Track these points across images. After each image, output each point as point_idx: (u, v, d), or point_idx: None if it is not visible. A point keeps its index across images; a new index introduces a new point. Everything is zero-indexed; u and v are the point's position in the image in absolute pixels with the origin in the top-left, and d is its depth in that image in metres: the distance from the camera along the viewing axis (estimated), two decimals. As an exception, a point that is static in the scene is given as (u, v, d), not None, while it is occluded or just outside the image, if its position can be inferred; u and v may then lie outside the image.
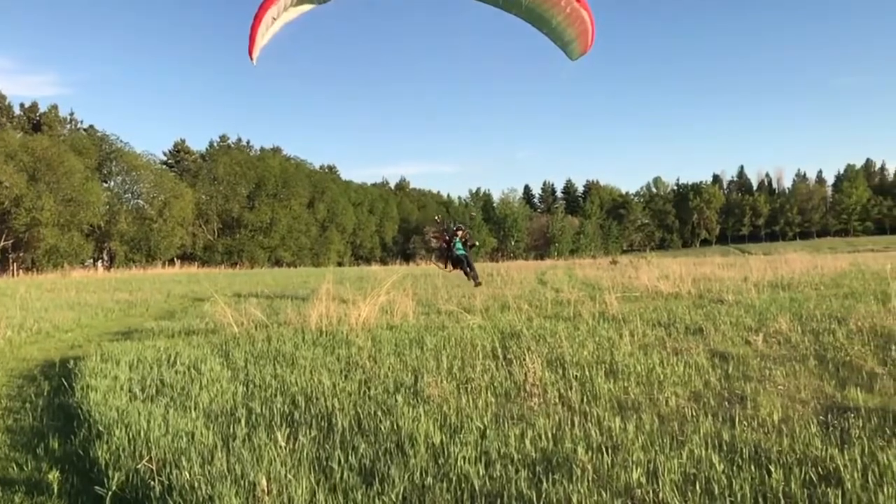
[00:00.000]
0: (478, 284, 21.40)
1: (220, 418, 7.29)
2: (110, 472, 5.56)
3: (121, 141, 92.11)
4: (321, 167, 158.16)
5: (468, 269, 21.53)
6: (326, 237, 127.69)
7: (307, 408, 7.56)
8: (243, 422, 7.01)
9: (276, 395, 8.23)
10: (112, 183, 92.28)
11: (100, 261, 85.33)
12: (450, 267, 22.36)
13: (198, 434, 6.59)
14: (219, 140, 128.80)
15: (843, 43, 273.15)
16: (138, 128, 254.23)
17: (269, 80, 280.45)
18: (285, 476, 5.28)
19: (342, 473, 5.38)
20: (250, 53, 11.75)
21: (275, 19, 11.66)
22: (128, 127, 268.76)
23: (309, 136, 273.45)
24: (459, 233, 21.85)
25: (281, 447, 5.98)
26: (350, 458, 5.74)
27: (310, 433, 6.49)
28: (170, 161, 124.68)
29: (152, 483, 5.30)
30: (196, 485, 5.16)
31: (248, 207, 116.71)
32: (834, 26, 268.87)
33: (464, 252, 21.65)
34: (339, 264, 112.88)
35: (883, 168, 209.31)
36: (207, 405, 7.90)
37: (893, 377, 8.00)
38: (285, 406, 7.69)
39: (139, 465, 5.63)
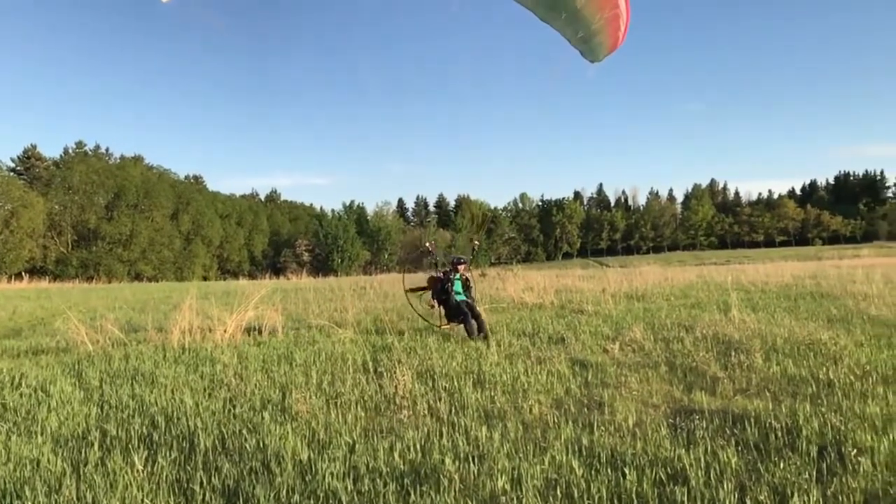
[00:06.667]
0: (485, 338, 13.30)
1: (70, 443, 6.83)
2: (-60, 508, 5.08)
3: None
4: (186, 177, 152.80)
5: (473, 320, 13.82)
6: (191, 250, 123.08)
7: (167, 428, 7.23)
8: (96, 446, 6.60)
9: (133, 416, 7.81)
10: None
11: (-68, 275, 77.51)
12: (443, 319, 14.83)
13: (44, 461, 6.16)
14: (74, 146, 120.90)
15: (691, 71, 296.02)
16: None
17: (130, 83, 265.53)
18: (142, 501, 5.04)
19: (204, 495, 5.19)
20: None
21: None
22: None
23: (173, 143, 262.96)
24: (460, 267, 14.96)
25: (138, 471, 5.69)
26: (213, 479, 5.55)
27: (170, 455, 6.22)
28: (18, 168, 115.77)
29: (-10, 517, 4.89)
30: (41, 516, 4.81)
31: (106, 218, 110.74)
32: (685, 55, 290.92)
33: (465, 297, 14.60)
34: (205, 279, 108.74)
35: (725, 188, 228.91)
36: (56, 429, 7.39)
37: (733, 380, 8.71)
38: (144, 427, 7.31)
39: (-26, 499, 5.18)
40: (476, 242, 17.96)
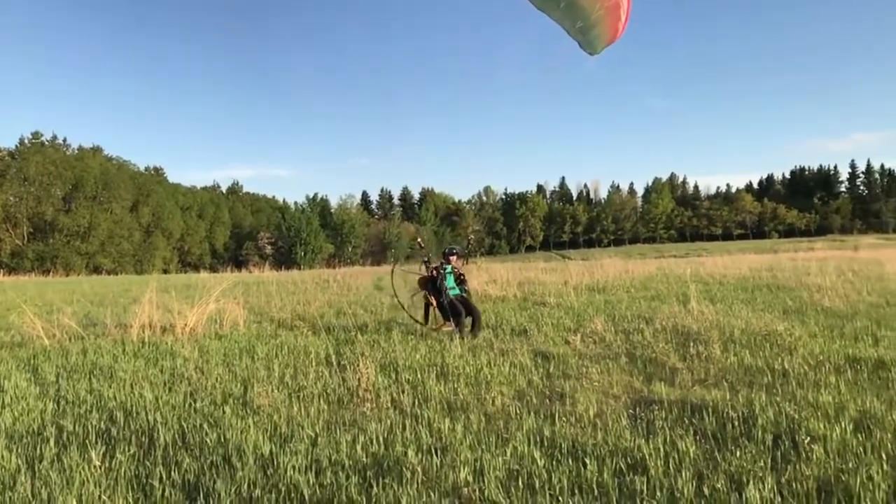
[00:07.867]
0: (477, 332, 12.80)
1: (25, 439, 6.68)
2: None
3: None
4: (146, 168, 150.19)
5: (468, 316, 13.10)
6: (151, 243, 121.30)
7: (126, 423, 7.10)
8: (52, 441, 6.46)
9: (91, 412, 7.66)
10: None
11: None
12: (439, 319, 13.64)
13: (-3, 458, 6.00)
14: (31, 137, 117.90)
15: (654, 67, 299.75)
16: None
17: (89, 72, 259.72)
18: (99, 497, 4.95)
19: (163, 490, 5.12)
20: None
21: None
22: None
23: (133, 134, 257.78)
24: (453, 258, 13.79)
25: (95, 466, 5.58)
26: (173, 473, 5.47)
27: (129, 450, 6.11)
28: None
29: (-61, 517, 4.75)
30: (-7, 515, 4.70)
31: (63, 210, 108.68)
32: (647, 51, 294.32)
33: (459, 292, 13.54)
34: (165, 272, 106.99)
35: (685, 182, 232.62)
36: (10, 425, 7.22)
37: (691, 371, 8.86)
38: (102, 422, 7.17)
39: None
40: (471, 236, 17.16)
